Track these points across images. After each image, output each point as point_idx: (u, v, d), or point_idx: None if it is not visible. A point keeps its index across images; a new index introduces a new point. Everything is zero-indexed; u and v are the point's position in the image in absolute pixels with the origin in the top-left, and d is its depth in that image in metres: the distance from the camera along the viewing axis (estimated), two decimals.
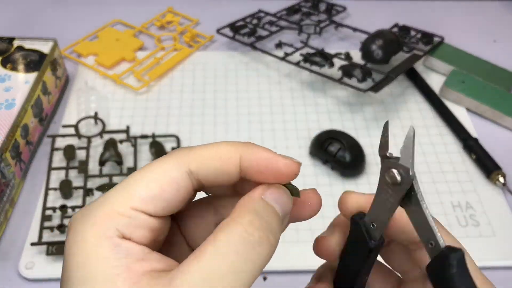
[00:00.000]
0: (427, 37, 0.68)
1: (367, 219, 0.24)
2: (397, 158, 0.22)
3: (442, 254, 0.22)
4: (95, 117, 0.57)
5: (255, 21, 0.73)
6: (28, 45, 0.59)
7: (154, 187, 0.20)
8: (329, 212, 0.49)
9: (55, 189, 0.50)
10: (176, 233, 0.25)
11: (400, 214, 0.24)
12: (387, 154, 0.23)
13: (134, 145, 0.54)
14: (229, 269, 0.19)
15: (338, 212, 0.55)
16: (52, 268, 0.44)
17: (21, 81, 0.54)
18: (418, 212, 0.22)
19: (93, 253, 0.19)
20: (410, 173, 0.21)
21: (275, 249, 0.20)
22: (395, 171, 0.22)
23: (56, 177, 0.51)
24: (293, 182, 0.24)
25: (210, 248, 0.19)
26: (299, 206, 0.24)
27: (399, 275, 0.27)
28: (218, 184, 0.22)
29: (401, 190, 0.22)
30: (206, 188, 0.23)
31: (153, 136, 0.55)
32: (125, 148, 0.55)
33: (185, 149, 0.22)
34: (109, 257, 0.19)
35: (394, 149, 0.59)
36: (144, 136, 0.55)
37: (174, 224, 0.24)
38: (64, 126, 0.56)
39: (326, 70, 0.62)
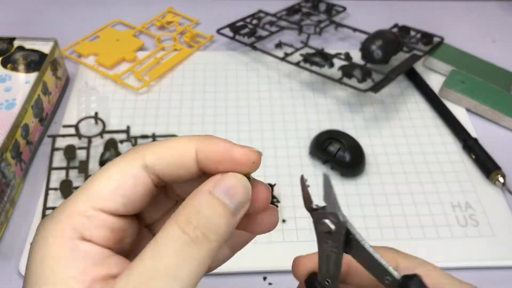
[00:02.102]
0: (426, 37, 0.69)
1: (320, 278, 0.24)
2: (324, 207, 0.22)
3: (400, 286, 0.21)
4: (96, 117, 0.57)
5: (255, 21, 0.73)
6: (28, 45, 0.59)
7: (110, 183, 0.20)
8: None
9: (55, 189, 0.50)
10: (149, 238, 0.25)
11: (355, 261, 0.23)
12: (313, 206, 0.22)
13: (135, 145, 0.54)
14: (166, 270, 0.18)
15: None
16: None
17: (21, 81, 0.54)
18: (363, 253, 0.22)
19: (50, 254, 0.19)
20: (341, 219, 0.21)
21: (218, 246, 0.20)
22: (327, 221, 0.21)
23: (57, 177, 0.51)
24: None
25: (150, 249, 0.19)
26: (252, 220, 0.23)
27: None
28: (179, 178, 0.21)
29: (339, 237, 0.22)
30: (169, 184, 0.23)
31: (154, 136, 0.55)
32: (125, 148, 0.55)
33: (140, 145, 0.22)
34: (66, 258, 0.19)
35: (393, 149, 0.59)
36: (144, 136, 0.55)
37: (146, 230, 0.24)
38: (65, 126, 0.56)
39: (326, 70, 0.62)
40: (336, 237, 0.22)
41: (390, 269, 0.22)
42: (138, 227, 0.23)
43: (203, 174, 0.22)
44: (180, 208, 0.20)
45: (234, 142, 0.21)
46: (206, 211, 0.19)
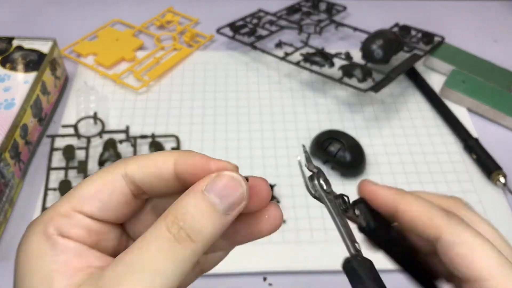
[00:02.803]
0: (427, 37, 0.68)
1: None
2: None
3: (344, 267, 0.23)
4: (95, 117, 0.57)
5: (255, 21, 0.73)
6: (27, 44, 0.59)
7: (90, 188, 0.22)
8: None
9: (54, 189, 0.49)
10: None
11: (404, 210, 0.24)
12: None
13: (134, 145, 0.54)
14: (148, 265, 0.19)
15: None
16: None
17: (20, 81, 0.54)
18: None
19: (33, 252, 0.21)
20: (312, 192, 0.24)
21: (203, 246, 0.20)
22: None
23: (56, 177, 0.51)
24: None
25: (137, 244, 0.20)
26: (257, 221, 0.23)
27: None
28: (158, 189, 0.22)
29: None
30: (152, 197, 0.24)
31: (153, 136, 0.55)
32: (124, 148, 0.55)
33: (125, 158, 0.23)
34: (47, 254, 0.20)
35: (394, 149, 0.59)
36: (143, 136, 0.55)
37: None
38: (64, 126, 0.56)
39: (326, 70, 0.62)
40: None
41: (347, 243, 0.23)
42: (122, 237, 0.24)
43: (183, 188, 0.22)
44: (171, 206, 0.20)
45: (210, 157, 0.22)
46: (193, 211, 0.20)
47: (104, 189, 0.22)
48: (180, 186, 0.22)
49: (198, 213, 0.20)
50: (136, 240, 0.20)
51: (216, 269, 0.44)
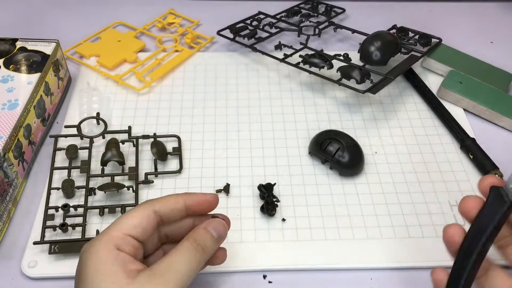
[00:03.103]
0: (425, 39, 0.69)
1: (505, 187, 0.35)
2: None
3: None
4: (97, 117, 0.57)
5: (255, 23, 0.74)
6: (30, 46, 0.60)
7: (135, 220, 0.35)
8: (328, 212, 0.50)
9: (57, 188, 0.50)
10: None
11: None
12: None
13: (136, 145, 0.55)
14: (183, 260, 0.34)
15: (336, 211, 0.56)
16: (54, 266, 0.45)
17: (23, 82, 0.55)
18: None
19: (101, 259, 0.33)
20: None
21: (207, 256, 0.36)
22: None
23: (59, 177, 0.52)
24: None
25: (174, 250, 0.35)
26: (213, 258, 0.39)
27: None
28: (173, 218, 0.38)
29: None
30: (166, 224, 0.38)
31: (155, 136, 0.56)
32: (126, 148, 0.55)
33: (151, 199, 0.38)
34: (111, 260, 0.33)
35: (392, 149, 0.60)
36: (145, 136, 0.56)
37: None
38: (67, 127, 0.57)
39: (325, 71, 0.63)
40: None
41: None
42: (143, 250, 0.37)
43: (187, 216, 0.38)
44: (191, 233, 0.36)
45: (205, 193, 0.39)
46: (204, 237, 0.36)
47: (144, 221, 0.35)
48: (186, 215, 0.38)
49: (206, 238, 0.36)
50: (172, 249, 0.35)
51: (218, 267, 0.45)
